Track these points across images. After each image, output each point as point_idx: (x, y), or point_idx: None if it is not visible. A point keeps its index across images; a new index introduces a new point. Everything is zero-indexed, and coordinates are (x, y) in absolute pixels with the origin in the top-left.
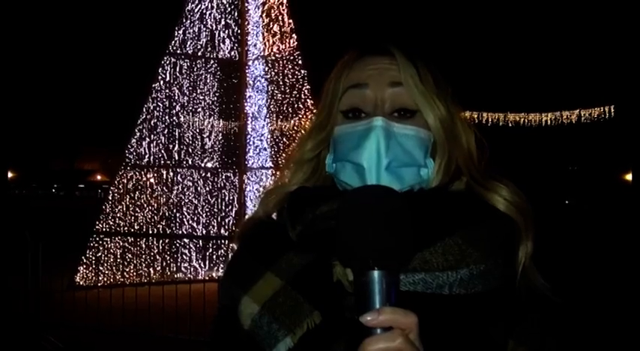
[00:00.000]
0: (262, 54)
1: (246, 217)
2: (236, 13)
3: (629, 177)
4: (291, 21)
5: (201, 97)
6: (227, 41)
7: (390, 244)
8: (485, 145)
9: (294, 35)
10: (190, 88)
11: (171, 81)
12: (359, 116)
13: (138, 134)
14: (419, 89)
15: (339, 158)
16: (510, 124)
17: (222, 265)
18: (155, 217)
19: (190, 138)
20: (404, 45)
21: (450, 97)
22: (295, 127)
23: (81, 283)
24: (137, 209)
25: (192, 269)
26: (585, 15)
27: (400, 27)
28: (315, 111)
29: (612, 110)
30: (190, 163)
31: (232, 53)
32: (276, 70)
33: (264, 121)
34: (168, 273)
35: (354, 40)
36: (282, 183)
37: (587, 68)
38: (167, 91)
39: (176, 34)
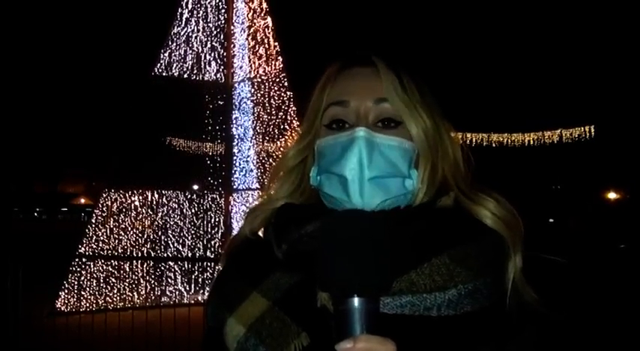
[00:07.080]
0: (248, 76)
1: (233, 234)
2: (222, 36)
3: (610, 195)
4: (276, 43)
5: (187, 119)
6: (213, 64)
7: (368, 273)
8: (471, 159)
9: (279, 57)
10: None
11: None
12: (342, 127)
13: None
14: (402, 100)
15: (322, 170)
16: (494, 145)
17: (208, 289)
18: (140, 240)
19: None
20: (386, 56)
21: (436, 108)
22: (281, 149)
23: (62, 308)
24: (121, 232)
25: (177, 293)
26: (566, 37)
27: (384, 48)
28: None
29: (593, 130)
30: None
31: (218, 75)
32: (262, 92)
33: (250, 142)
34: (153, 297)
35: (337, 53)
36: (268, 198)
37: (567, 89)
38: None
39: (162, 56)
